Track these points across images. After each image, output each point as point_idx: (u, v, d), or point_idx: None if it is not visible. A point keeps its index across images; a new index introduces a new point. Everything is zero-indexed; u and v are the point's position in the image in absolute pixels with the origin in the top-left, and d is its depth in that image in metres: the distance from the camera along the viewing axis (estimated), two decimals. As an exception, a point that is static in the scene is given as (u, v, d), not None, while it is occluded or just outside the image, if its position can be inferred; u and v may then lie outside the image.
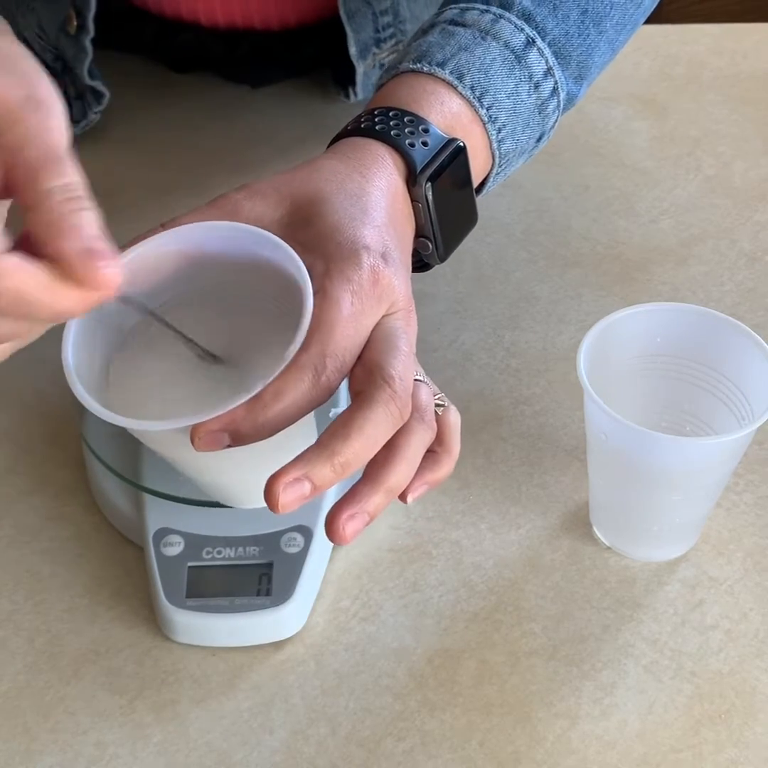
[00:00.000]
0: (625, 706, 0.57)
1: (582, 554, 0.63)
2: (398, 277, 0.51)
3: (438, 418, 0.53)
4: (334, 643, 0.60)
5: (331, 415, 0.63)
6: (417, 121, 0.58)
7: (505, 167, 0.63)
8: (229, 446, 0.47)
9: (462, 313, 0.76)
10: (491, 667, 0.58)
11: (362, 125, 0.58)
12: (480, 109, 0.60)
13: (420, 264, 0.61)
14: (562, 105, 0.65)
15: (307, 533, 0.60)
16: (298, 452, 0.47)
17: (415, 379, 0.51)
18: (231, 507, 0.59)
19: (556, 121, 0.65)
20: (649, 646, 0.59)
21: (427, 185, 0.56)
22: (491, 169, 0.62)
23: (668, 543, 0.62)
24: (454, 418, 0.54)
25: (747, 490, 0.65)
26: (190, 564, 0.59)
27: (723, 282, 0.77)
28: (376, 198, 0.54)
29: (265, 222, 0.53)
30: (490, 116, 0.60)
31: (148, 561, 0.60)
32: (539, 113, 0.63)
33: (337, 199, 0.53)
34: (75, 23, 0.83)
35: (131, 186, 0.85)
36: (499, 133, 0.61)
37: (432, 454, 0.52)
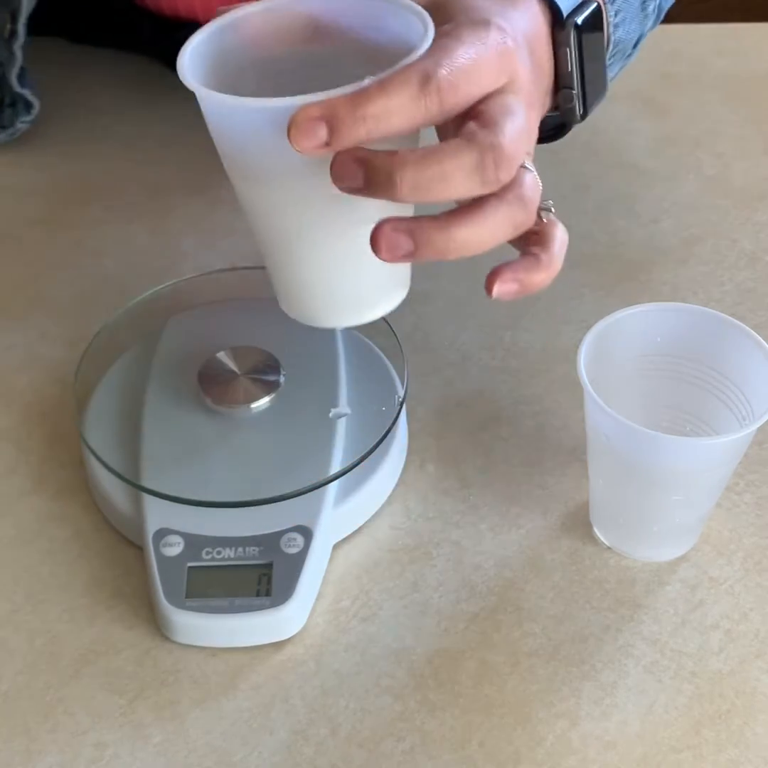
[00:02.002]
0: (625, 706, 0.57)
1: (582, 554, 0.63)
2: (524, 67, 0.49)
3: (546, 226, 0.50)
4: (334, 643, 0.59)
5: (331, 415, 0.63)
6: None
7: (612, 63, 0.62)
8: (326, 146, 0.45)
9: (462, 313, 0.75)
10: (491, 667, 0.58)
11: None
12: None
13: (550, 133, 0.59)
14: (656, 11, 0.64)
15: (307, 533, 0.60)
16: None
17: (525, 167, 0.48)
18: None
19: (650, 27, 0.65)
20: (649, 646, 0.59)
21: (574, 33, 0.55)
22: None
23: (668, 543, 0.62)
24: (562, 234, 0.51)
25: (747, 490, 0.65)
26: (189, 564, 0.59)
27: (723, 282, 0.77)
28: (517, 18, 0.52)
29: None
30: None
31: (147, 561, 0.60)
32: (642, 10, 0.63)
33: None
34: (8, 27, 0.82)
35: (129, 184, 0.85)
36: (616, 16, 0.60)
37: (533, 256, 0.50)
